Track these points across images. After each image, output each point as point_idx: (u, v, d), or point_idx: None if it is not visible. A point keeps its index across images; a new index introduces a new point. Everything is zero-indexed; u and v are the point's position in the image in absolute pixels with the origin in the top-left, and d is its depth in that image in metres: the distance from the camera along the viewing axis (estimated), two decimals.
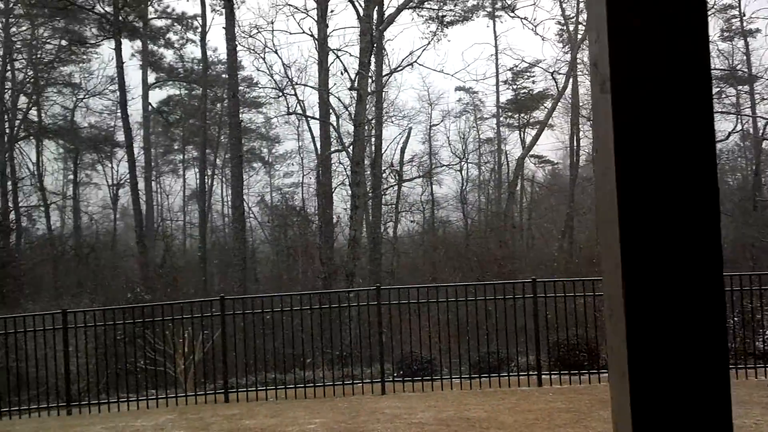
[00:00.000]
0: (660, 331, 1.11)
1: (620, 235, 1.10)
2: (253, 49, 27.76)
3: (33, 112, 36.18)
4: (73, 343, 12.17)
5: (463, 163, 37.76)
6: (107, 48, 35.27)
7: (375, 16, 25.79)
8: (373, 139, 30.40)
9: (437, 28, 32.10)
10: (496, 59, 37.65)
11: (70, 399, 11.55)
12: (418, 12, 31.04)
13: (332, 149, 28.01)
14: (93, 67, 46.41)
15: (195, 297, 21.34)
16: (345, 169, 28.56)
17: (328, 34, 27.02)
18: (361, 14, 24.22)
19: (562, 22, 34.83)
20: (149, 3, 36.00)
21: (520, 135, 40.29)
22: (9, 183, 33.98)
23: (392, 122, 33.79)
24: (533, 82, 38.48)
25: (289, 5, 27.43)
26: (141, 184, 34.42)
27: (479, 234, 32.16)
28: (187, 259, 34.56)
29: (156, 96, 40.44)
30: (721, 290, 1.12)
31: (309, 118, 30.55)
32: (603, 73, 1.12)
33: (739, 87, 33.52)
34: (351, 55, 26.33)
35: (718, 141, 27.40)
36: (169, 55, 39.86)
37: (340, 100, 28.07)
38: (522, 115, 40.50)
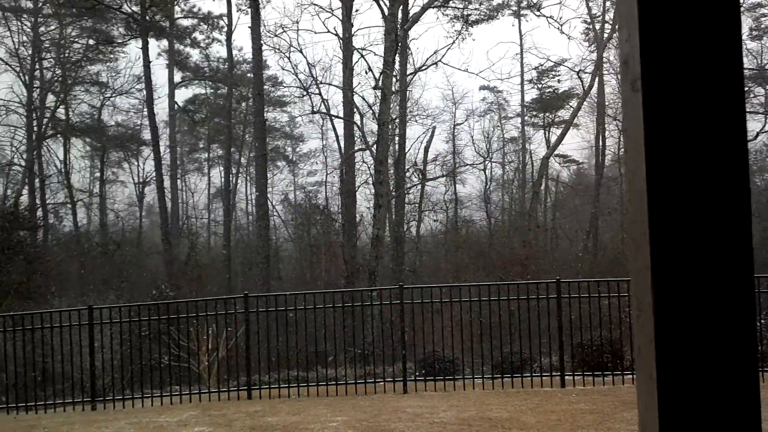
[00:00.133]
0: (689, 333, 1.10)
1: (650, 235, 1.09)
2: (278, 49, 27.87)
3: (61, 110, 36.66)
4: (98, 338, 12.31)
5: (486, 162, 37.69)
6: (134, 47, 35.69)
7: (400, 15, 25.78)
8: (396, 138, 30.39)
9: (462, 27, 32.00)
10: (521, 58, 37.57)
11: (95, 394, 11.67)
12: (443, 11, 30.96)
13: (356, 148, 28.07)
14: (120, 66, 46.74)
15: (219, 294, 21.50)
16: (368, 167, 28.61)
17: (352, 33, 27.09)
18: (386, 13, 24.20)
19: (588, 20, 34.62)
20: (175, 3, 36.30)
21: (545, 134, 40.13)
22: (37, 180, 34.45)
23: (416, 121, 33.81)
24: (558, 81, 38.27)
25: (314, 4, 27.42)
26: (167, 182, 34.75)
27: (503, 234, 32.05)
28: (211, 256, 34.80)
29: (182, 95, 40.83)
30: (752, 292, 1.11)
31: (333, 117, 30.65)
32: (634, 71, 1.11)
33: None
34: (375, 54, 26.44)
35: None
36: (195, 55, 40.22)
37: (364, 99, 28.11)
38: (547, 114, 40.30)
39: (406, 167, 31.32)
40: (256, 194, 29.77)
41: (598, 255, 29.87)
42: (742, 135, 1.10)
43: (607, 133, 35.09)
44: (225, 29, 36.01)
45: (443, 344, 13.21)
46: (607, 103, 34.05)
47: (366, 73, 26.50)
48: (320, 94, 27.90)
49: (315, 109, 29.48)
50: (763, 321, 12.98)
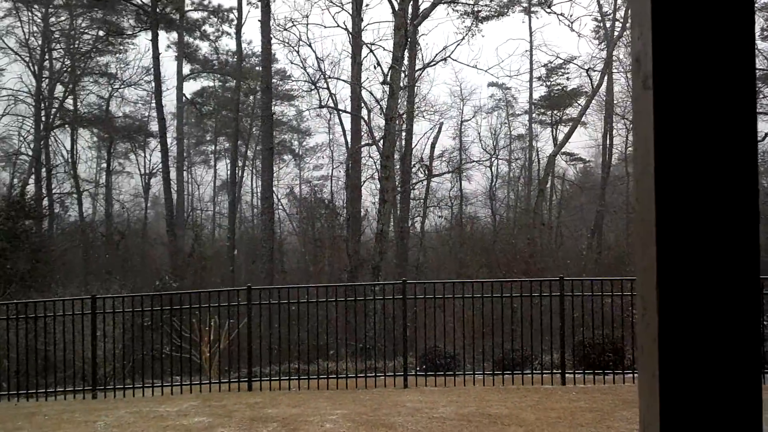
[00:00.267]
0: (692, 333, 1.09)
1: (656, 234, 1.09)
2: (288, 42, 27.86)
3: (69, 100, 36.72)
4: (100, 328, 12.34)
5: (493, 159, 37.63)
6: (143, 39, 35.78)
7: (410, 10, 25.73)
8: (403, 134, 30.37)
9: (472, 23, 31.94)
10: (531, 55, 37.48)
11: (96, 383, 11.70)
12: (453, 7, 30.88)
13: (362, 143, 28.04)
14: (129, 57, 47.12)
15: (222, 286, 21.55)
16: (375, 162, 28.60)
17: (362, 28, 27.05)
18: (396, 8, 24.17)
19: (599, 18, 34.53)
20: None
21: (552, 132, 40.06)
22: (43, 170, 34.53)
23: (423, 117, 33.75)
24: (567, 78, 38.22)
25: None
26: (173, 174, 34.82)
27: (507, 231, 32.00)
28: (215, 248, 34.86)
29: (190, 87, 40.90)
30: (758, 294, 1.10)
31: (340, 112, 30.62)
32: (645, 68, 1.10)
33: None
34: (384, 49, 26.37)
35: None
36: (204, 47, 40.28)
37: (372, 94, 28.08)
38: (555, 112, 40.24)
39: (412, 163, 31.31)
40: (262, 187, 29.84)
41: (603, 254, 29.82)
42: (752, 136, 1.09)
43: (614, 131, 35.03)
44: (235, 22, 36.04)
45: (445, 340, 13.21)
46: (615, 102, 33.98)
47: (374, 68, 26.52)
48: (328, 88, 27.92)
49: (322, 104, 29.48)
50: (767, 323, 12.94)
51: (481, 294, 12.07)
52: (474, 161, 36.86)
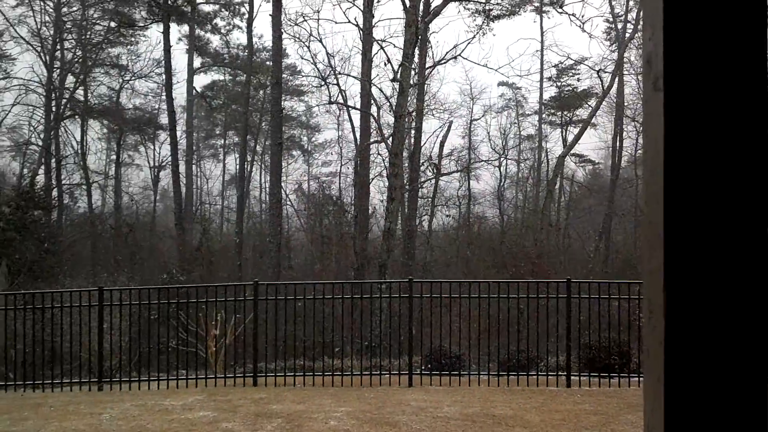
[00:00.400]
0: (699, 336, 1.08)
1: (664, 237, 1.08)
2: (298, 38, 27.85)
3: (80, 91, 36.85)
4: (107, 320, 12.37)
5: (502, 159, 37.59)
6: (155, 31, 35.93)
7: (421, 7, 25.68)
8: (412, 132, 30.35)
9: (483, 22, 31.87)
10: (542, 55, 37.39)
11: (102, 375, 11.74)
12: (464, 5, 30.82)
13: (371, 140, 28.03)
14: (140, 49, 47.28)
15: (229, 281, 21.57)
16: (383, 160, 28.60)
17: (373, 24, 27.02)
18: (407, 5, 24.13)
19: (611, 19, 34.43)
20: None
21: (562, 133, 39.98)
22: (53, 161, 34.65)
23: (433, 115, 33.73)
24: (578, 79, 38.11)
25: None
26: (182, 167, 34.93)
27: (515, 231, 31.96)
28: (223, 243, 34.93)
29: (200, 81, 40.98)
30: (766, 298, 1.09)
31: (350, 108, 30.62)
32: (656, 69, 1.09)
33: None
34: (395, 47, 26.34)
35: None
36: (215, 41, 40.38)
37: (381, 91, 28.10)
38: (565, 112, 40.14)
39: (421, 161, 31.29)
40: (270, 183, 29.84)
41: (610, 256, 29.75)
42: (763, 138, 1.08)
43: (624, 133, 34.94)
44: (246, 16, 36.11)
45: (450, 339, 13.20)
46: (626, 104, 33.89)
47: (385, 65, 26.49)
48: (338, 84, 27.88)
49: (332, 100, 29.46)
50: None
51: (487, 294, 12.05)
52: (483, 161, 36.86)
